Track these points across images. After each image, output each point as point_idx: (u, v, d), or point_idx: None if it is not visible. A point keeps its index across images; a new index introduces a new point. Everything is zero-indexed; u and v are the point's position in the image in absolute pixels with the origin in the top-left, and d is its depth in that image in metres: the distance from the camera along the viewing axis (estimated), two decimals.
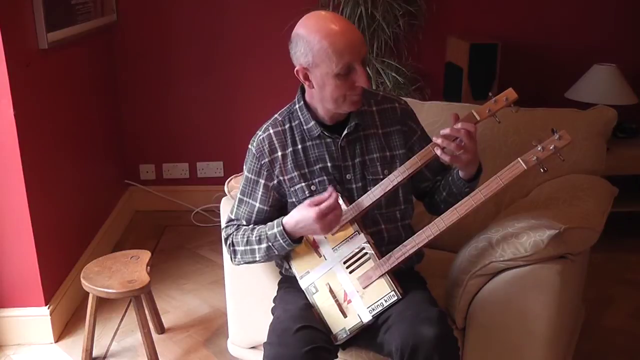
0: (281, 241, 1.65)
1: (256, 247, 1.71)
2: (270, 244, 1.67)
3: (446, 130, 1.58)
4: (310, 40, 1.56)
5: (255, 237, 1.71)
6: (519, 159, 1.55)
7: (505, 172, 1.56)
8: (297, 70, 1.64)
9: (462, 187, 1.71)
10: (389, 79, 3.22)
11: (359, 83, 1.59)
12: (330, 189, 1.62)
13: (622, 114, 2.34)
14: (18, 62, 2.24)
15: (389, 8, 3.21)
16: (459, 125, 1.57)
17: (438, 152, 1.60)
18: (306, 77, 1.63)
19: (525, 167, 1.54)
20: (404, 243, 1.64)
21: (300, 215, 1.60)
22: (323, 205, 1.57)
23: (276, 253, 1.69)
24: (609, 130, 2.14)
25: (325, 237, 1.69)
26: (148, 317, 2.31)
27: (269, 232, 1.67)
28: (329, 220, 1.58)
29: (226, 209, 1.95)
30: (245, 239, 1.73)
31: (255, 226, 1.74)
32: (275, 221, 1.67)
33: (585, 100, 3.08)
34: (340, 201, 1.68)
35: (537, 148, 1.54)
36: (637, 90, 3.19)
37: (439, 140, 1.59)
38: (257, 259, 1.73)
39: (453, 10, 3.47)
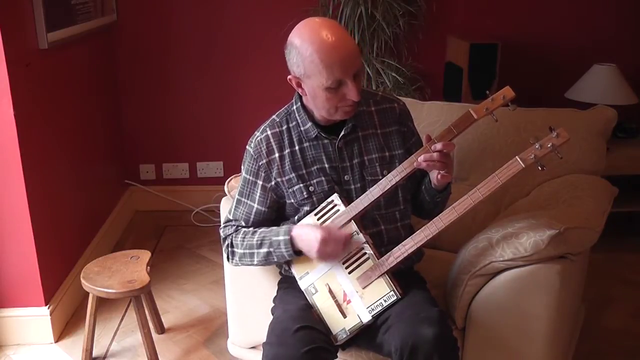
0: (283, 250, 1.66)
1: (255, 251, 1.71)
2: (271, 249, 1.68)
3: (422, 158, 1.60)
4: (303, 52, 1.56)
5: (257, 240, 1.71)
6: (516, 157, 1.55)
7: (503, 170, 1.56)
8: (290, 79, 1.64)
9: (434, 197, 1.74)
10: (389, 79, 3.22)
11: (350, 97, 1.59)
12: (355, 238, 1.65)
13: (622, 114, 2.34)
14: (18, 62, 2.24)
15: (389, 8, 3.21)
16: (437, 147, 1.59)
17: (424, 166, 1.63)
18: (299, 85, 1.64)
19: (523, 165, 1.54)
20: (403, 242, 1.64)
21: (308, 230, 1.62)
22: (334, 234, 1.60)
23: (275, 260, 1.70)
24: (609, 130, 2.14)
25: None
26: (148, 317, 2.31)
27: (273, 238, 1.68)
28: (328, 250, 1.60)
29: (226, 208, 1.95)
30: (245, 242, 1.74)
31: (257, 229, 1.75)
32: (282, 229, 1.68)
33: (585, 100, 3.08)
34: (339, 201, 1.68)
35: (535, 146, 1.54)
36: (637, 90, 3.19)
37: (423, 165, 1.60)
38: (255, 263, 1.74)
39: (453, 10, 3.47)
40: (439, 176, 1.64)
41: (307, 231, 1.63)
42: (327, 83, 1.56)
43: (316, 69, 1.55)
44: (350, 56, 1.56)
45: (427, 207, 1.79)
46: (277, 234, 1.67)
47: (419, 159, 1.60)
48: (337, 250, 1.62)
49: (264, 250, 1.69)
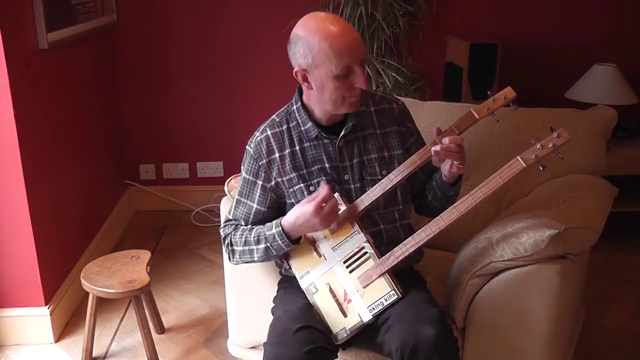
0: (280, 242, 1.66)
1: (254, 247, 1.71)
2: (268, 244, 1.68)
3: (437, 148, 1.59)
4: (310, 42, 1.56)
5: (254, 237, 1.71)
6: (518, 157, 1.56)
7: (505, 170, 1.56)
8: (295, 72, 1.64)
9: (447, 191, 1.73)
10: (389, 79, 3.22)
11: (358, 84, 1.59)
12: (322, 183, 1.64)
13: (622, 114, 2.34)
14: (18, 62, 2.24)
15: (389, 8, 3.21)
16: (447, 141, 1.58)
17: (436, 159, 1.62)
18: (305, 79, 1.63)
19: (525, 165, 1.54)
20: (403, 242, 1.64)
21: (299, 212, 1.61)
22: (318, 198, 1.58)
23: (274, 253, 1.70)
24: (609, 130, 2.14)
25: (325, 237, 1.69)
26: (148, 317, 2.31)
27: (267, 233, 1.68)
28: (325, 212, 1.59)
29: (226, 209, 1.95)
30: (243, 239, 1.74)
31: (254, 226, 1.75)
32: (274, 222, 1.68)
33: (585, 100, 3.08)
34: (340, 200, 1.68)
35: (536, 146, 1.55)
36: (637, 90, 3.19)
37: (441, 154, 1.59)
38: (256, 259, 1.74)
39: (453, 10, 3.48)
40: (453, 168, 1.63)
41: (296, 214, 1.62)
42: (336, 70, 1.56)
43: (325, 56, 1.55)
44: (357, 43, 1.58)
45: (437, 204, 1.77)
46: (270, 228, 1.67)
47: (435, 148, 1.59)
48: (333, 208, 1.60)
49: (261, 245, 1.70)
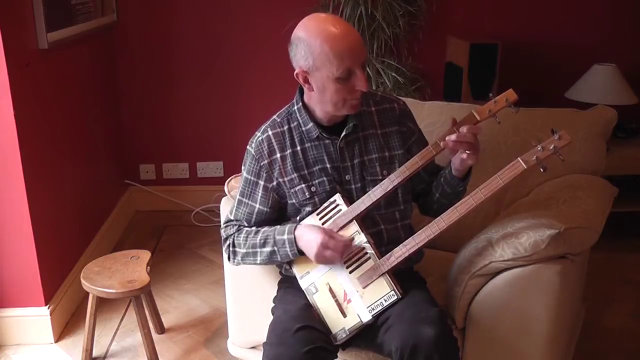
0: (287, 249, 1.66)
1: (259, 250, 1.71)
2: (275, 248, 1.68)
3: (453, 137, 1.58)
4: (311, 44, 1.56)
5: (260, 240, 1.71)
6: (519, 158, 1.56)
7: (506, 171, 1.57)
8: (297, 74, 1.64)
9: (457, 186, 1.72)
10: (389, 79, 3.22)
11: (359, 87, 1.59)
12: (355, 236, 1.65)
13: (622, 114, 2.34)
14: (18, 62, 2.24)
15: (389, 8, 3.21)
16: (464, 130, 1.57)
17: (450, 154, 1.62)
18: (306, 80, 1.63)
19: (526, 167, 1.55)
20: (404, 242, 1.64)
21: (309, 232, 1.62)
22: (332, 242, 1.59)
23: (279, 259, 1.70)
24: (609, 130, 2.14)
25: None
26: (148, 317, 2.31)
27: (277, 237, 1.67)
28: (327, 254, 1.60)
29: (226, 209, 1.95)
30: (247, 242, 1.74)
31: (259, 228, 1.75)
32: (287, 227, 1.68)
33: (585, 100, 3.08)
34: (341, 201, 1.68)
35: (537, 148, 1.55)
36: (637, 90, 3.19)
37: (450, 144, 1.59)
38: (258, 262, 1.74)
39: (453, 10, 3.48)
40: (464, 155, 1.61)
41: (308, 232, 1.63)
42: (337, 73, 1.56)
43: (326, 58, 1.55)
44: (358, 45, 1.57)
45: (445, 200, 1.75)
46: (281, 233, 1.67)
47: (449, 138, 1.58)
48: (334, 256, 1.61)
49: (267, 249, 1.69)
